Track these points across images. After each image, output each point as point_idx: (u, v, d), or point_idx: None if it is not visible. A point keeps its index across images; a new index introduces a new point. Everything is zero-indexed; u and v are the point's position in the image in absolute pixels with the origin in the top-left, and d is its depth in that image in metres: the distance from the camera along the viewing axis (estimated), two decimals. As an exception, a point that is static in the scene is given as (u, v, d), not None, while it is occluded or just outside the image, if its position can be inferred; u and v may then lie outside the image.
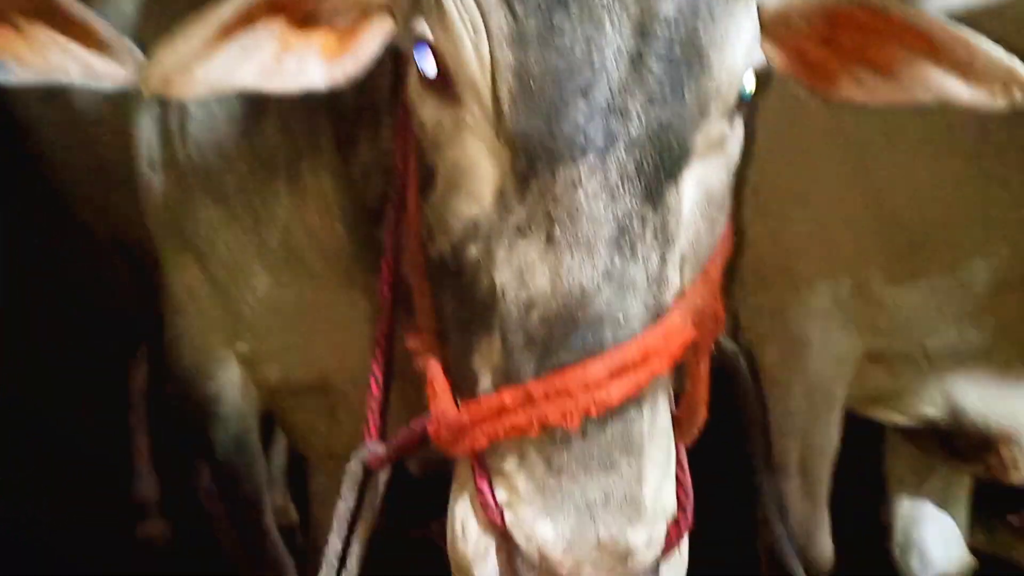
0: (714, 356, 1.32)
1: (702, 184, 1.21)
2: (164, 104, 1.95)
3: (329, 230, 1.79)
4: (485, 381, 1.18)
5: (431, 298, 1.29)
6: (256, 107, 1.80)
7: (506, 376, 1.15)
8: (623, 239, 1.12)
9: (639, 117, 1.12)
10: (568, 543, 1.11)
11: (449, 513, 1.22)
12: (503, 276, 1.15)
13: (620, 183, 1.12)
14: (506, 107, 1.14)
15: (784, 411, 2.16)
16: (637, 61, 1.12)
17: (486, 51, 1.15)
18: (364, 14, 1.28)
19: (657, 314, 1.14)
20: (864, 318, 2.07)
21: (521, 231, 1.14)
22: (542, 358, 1.12)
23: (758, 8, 1.23)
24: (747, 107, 1.24)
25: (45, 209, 3.01)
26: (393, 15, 1.29)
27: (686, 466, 1.25)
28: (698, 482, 1.25)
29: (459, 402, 1.21)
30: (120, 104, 2.07)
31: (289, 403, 2.17)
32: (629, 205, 1.12)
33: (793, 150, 1.96)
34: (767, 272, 2.08)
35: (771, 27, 1.26)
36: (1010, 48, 1.25)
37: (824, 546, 2.31)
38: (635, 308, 1.12)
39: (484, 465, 1.17)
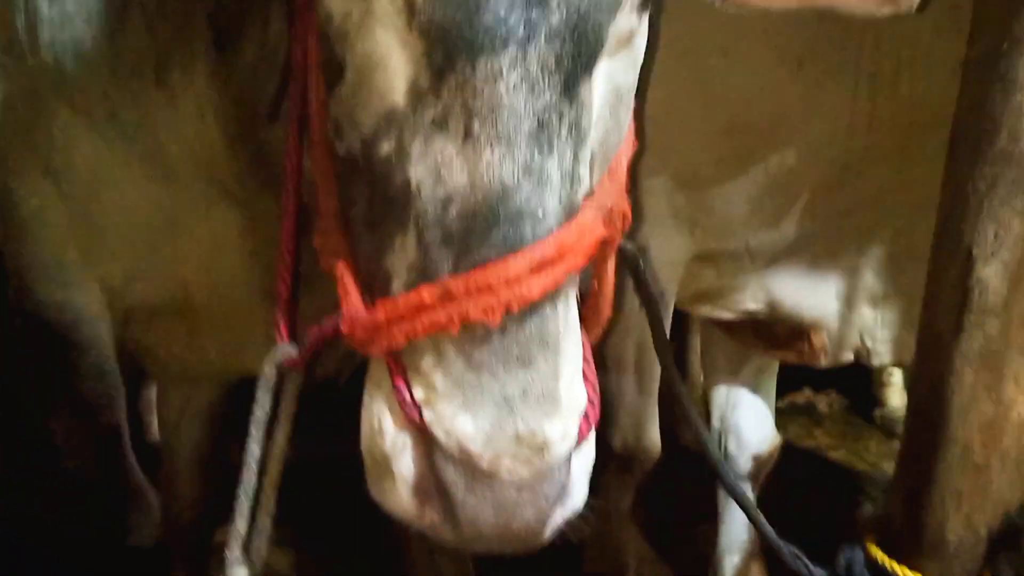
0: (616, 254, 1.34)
1: (611, 80, 1.20)
2: (9, 5, 1.80)
3: (204, 138, 1.70)
4: (399, 280, 1.15)
5: (337, 197, 1.25)
6: (117, 3, 1.67)
7: (422, 274, 1.13)
8: (542, 134, 1.10)
9: (559, 6, 1.10)
10: (487, 437, 1.11)
11: (364, 411, 1.21)
12: (418, 172, 1.12)
13: (540, 76, 1.10)
14: None
15: (621, 312, 2.31)
16: None
17: None
18: None
19: (570, 212, 1.14)
20: (695, 222, 2.19)
21: (438, 125, 1.11)
22: (460, 254, 1.11)
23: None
24: (653, 3, 1.24)
25: None
26: None
27: (592, 362, 1.27)
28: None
29: (372, 301, 1.18)
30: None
31: (145, 325, 2.09)
32: (548, 99, 1.10)
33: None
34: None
35: None
36: None
37: (653, 437, 2.47)
38: (552, 204, 1.11)
39: (400, 363, 1.16)
